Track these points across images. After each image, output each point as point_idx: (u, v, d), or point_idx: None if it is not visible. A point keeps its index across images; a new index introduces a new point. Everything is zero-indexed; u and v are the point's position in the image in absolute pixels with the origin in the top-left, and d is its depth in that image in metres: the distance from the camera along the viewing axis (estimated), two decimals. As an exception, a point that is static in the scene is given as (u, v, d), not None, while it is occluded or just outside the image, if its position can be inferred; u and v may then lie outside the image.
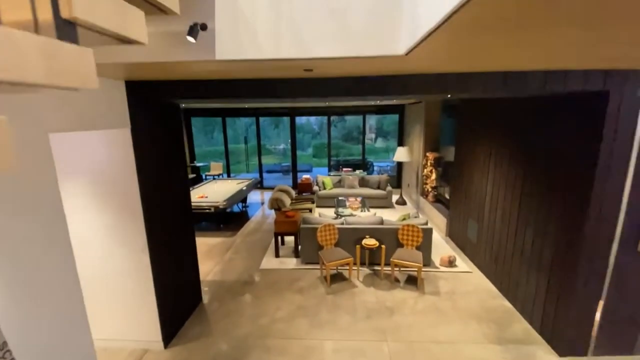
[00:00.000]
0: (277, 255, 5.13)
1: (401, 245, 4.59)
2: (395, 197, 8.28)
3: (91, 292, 3.11)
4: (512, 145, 3.83)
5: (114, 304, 3.13)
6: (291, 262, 4.97)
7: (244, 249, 5.55)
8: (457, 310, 3.78)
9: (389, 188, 7.91)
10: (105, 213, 2.89)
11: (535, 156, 3.41)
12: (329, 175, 8.72)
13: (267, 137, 18.45)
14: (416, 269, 4.19)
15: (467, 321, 3.58)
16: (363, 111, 9.58)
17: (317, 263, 4.83)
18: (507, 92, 2.69)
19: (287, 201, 6.43)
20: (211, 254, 5.38)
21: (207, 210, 6.02)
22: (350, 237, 4.71)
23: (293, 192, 7.13)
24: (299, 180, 8.38)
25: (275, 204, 6.19)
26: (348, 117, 19.06)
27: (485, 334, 3.38)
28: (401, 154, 7.83)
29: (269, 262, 5.01)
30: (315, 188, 8.06)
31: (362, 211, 6.34)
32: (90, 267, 3.03)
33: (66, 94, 2.09)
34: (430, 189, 7.25)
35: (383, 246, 4.32)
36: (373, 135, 18.34)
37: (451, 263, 4.78)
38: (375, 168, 12.62)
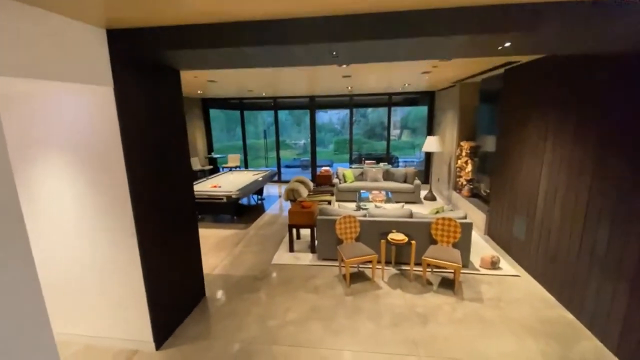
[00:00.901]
0: (291, 249, 4.62)
1: (434, 242, 3.93)
2: (423, 193, 7.56)
3: (74, 282, 2.72)
4: (579, 119, 3.08)
5: (99, 297, 2.72)
6: (306, 258, 4.44)
7: (256, 242, 5.09)
8: (505, 321, 3.09)
9: (416, 182, 7.19)
10: (87, 190, 2.49)
11: (614, 129, 2.66)
12: (351, 167, 8.12)
13: (288, 134, 18.12)
14: (453, 270, 3.53)
15: (520, 335, 2.89)
16: (388, 103, 8.90)
17: (336, 260, 4.27)
18: (593, 30, 1.99)
19: (305, 193, 5.92)
20: (221, 247, 4.96)
21: (219, 200, 5.62)
22: (374, 231, 4.11)
23: (311, 184, 6.61)
24: (317, 173, 7.84)
25: (291, 195, 5.69)
26: (370, 114, 18.41)
27: (544, 353, 2.68)
28: (431, 144, 7.10)
29: (282, 256, 4.51)
30: (335, 181, 7.49)
31: (386, 203, 5.70)
32: (70, 254, 2.65)
33: (25, 32, 1.67)
34: (465, 183, 6.48)
35: (413, 242, 3.69)
36: (398, 132, 17.51)
37: (494, 265, 4.05)
38: (400, 163, 11.86)
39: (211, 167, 9.31)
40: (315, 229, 4.45)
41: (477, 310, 3.25)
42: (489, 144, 5.66)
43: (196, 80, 5.62)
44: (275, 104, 9.34)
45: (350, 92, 8.55)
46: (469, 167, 6.33)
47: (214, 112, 9.95)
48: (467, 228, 3.91)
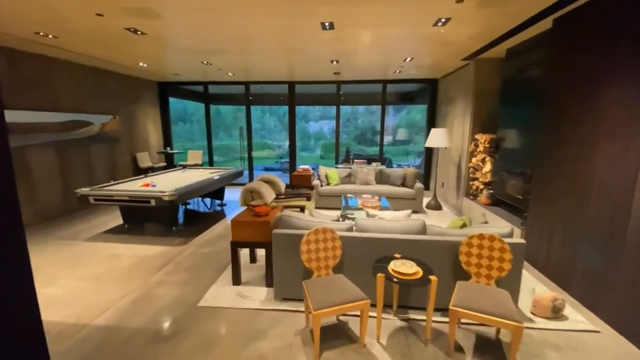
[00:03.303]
0: (235, 281, 2.98)
1: (465, 277, 2.38)
2: (425, 201, 6.04)
3: None
4: None
5: None
6: (258, 296, 2.81)
7: (189, 267, 3.43)
8: None
9: (418, 185, 5.68)
10: None
11: None
12: (336, 167, 6.56)
13: (270, 134, 16.55)
14: (505, 328, 1.95)
15: None
16: (382, 97, 7.45)
17: (302, 300, 2.67)
18: None
19: (270, 196, 4.31)
20: (135, 272, 3.27)
21: (147, 204, 3.95)
22: (364, 256, 2.53)
23: (282, 185, 5.00)
24: (294, 172, 6.24)
25: (249, 198, 4.07)
26: (362, 119, 17.01)
27: None
28: (437, 138, 5.62)
29: (219, 293, 2.86)
30: (316, 182, 5.90)
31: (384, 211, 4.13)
32: None
33: None
34: (482, 186, 4.99)
35: (433, 278, 2.10)
36: (391, 137, 16.15)
37: (557, 312, 2.51)
38: (394, 167, 10.39)
39: (165, 164, 7.60)
40: (272, 249, 2.82)
41: (564, 419, 1.68)
42: (514, 137, 4.21)
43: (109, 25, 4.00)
44: (247, 91, 7.77)
45: (338, 78, 7.08)
46: (488, 167, 4.86)
47: (198, 112, 8.29)
48: (518, 252, 2.36)
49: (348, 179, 6.16)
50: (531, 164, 3.67)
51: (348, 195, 5.28)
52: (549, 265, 3.19)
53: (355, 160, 6.98)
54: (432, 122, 7.39)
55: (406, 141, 14.33)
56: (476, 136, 5.11)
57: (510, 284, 2.41)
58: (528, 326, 2.41)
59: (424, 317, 2.45)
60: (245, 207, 3.48)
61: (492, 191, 4.74)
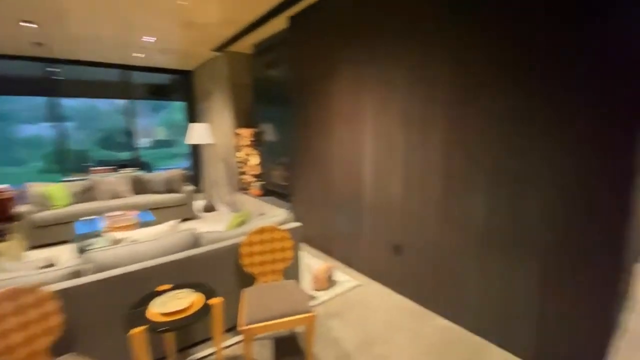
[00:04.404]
0: None
1: (249, 282, 2.07)
2: (199, 204, 5.44)
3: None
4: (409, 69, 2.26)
5: None
6: None
7: None
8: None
9: (187, 187, 4.97)
10: None
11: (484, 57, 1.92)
12: (63, 182, 4.56)
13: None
14: (300, 325, 1.80)
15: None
16: (127, 93, 5.96)
17: None
18: None
19: None
20: None
21: None
22: (110, 308, 1.65)
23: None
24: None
25: None
26: (107, 117, 13.53)
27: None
28: (198, 134, 5.11)
29: None
30: (26, 208, 3.83)
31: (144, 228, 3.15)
32: None
33: None
34: (252, 179, 5.03)
35: (216, 302, 1.61)
36: (150, 140, 13.89)
37: (331, 280, 2.76)
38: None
39: None
40: None
41: (359, 387, 1.73)
42: (272, 131, 4.49)
43: None
44: None
45: (44, 54, 4.89)
46: (254, 160, 4.95)
47: None
48: (296, 236, 2.33)
49: (86, 195, 4.46)
50: (289, 153, 3.96)
51: (87, 218, 3.76)
52: (318, 238, 3.55)
53: (95, 169, 5.21)
54: (193, 119, 6.79)
55: (169, 142, 12.85)
56: (238, 131, 5.07)
57: (293, 270, 2.36)
58: (314, 305, 2.47)
59: (213, 352, 1.94)
60: None
61: (263, 182, 4.87)
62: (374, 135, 2.65)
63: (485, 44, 1.84)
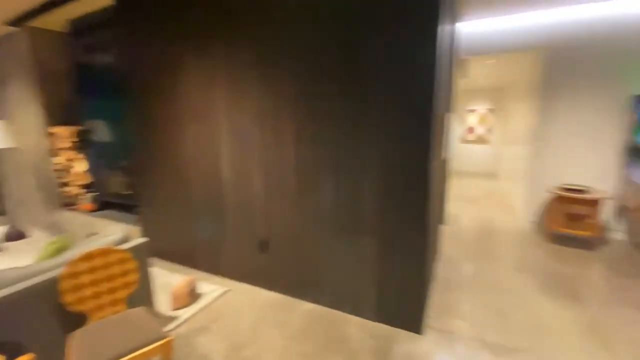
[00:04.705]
0: None
1: (80, 322, 1.64)
2: (-7, 231, 3.95)
3: None
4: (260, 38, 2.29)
5: None
6: None
7: None
8: (274, 378, 1.79)
9: (-32, 213, 3.50)
10: None
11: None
12: None
13: None
14: (157, 354, 1.56)
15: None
16: None
17: None
18: None
19: None
20: None
21: None
22: None
23: None
24: None
25: None
26: None
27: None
28: (-15, 136, 3.68)
29: None
30: None
31: None
32: None
33: None
34: (81, 190, 4.01)
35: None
36: None
37: (194, 294, 2.53)
38: None
39: None
40: None
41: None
42: (105, 129, 3.71)
43: None
44: None
45: None
46: (81, 166, 3.97)
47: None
48: (142, 254, 1.99)
49: None
50: (130, 155, 3.36)
51: None
52: (175, 250, 3.18)
53: None
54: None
55: None
56: (52, 130, 3.94)
57: (143, 294, 2.03)
58: (174, 327, 2.21)
59: None
60: None
61: (96, 193, 3.96)
62: (230, 133, 2.56)
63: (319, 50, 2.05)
